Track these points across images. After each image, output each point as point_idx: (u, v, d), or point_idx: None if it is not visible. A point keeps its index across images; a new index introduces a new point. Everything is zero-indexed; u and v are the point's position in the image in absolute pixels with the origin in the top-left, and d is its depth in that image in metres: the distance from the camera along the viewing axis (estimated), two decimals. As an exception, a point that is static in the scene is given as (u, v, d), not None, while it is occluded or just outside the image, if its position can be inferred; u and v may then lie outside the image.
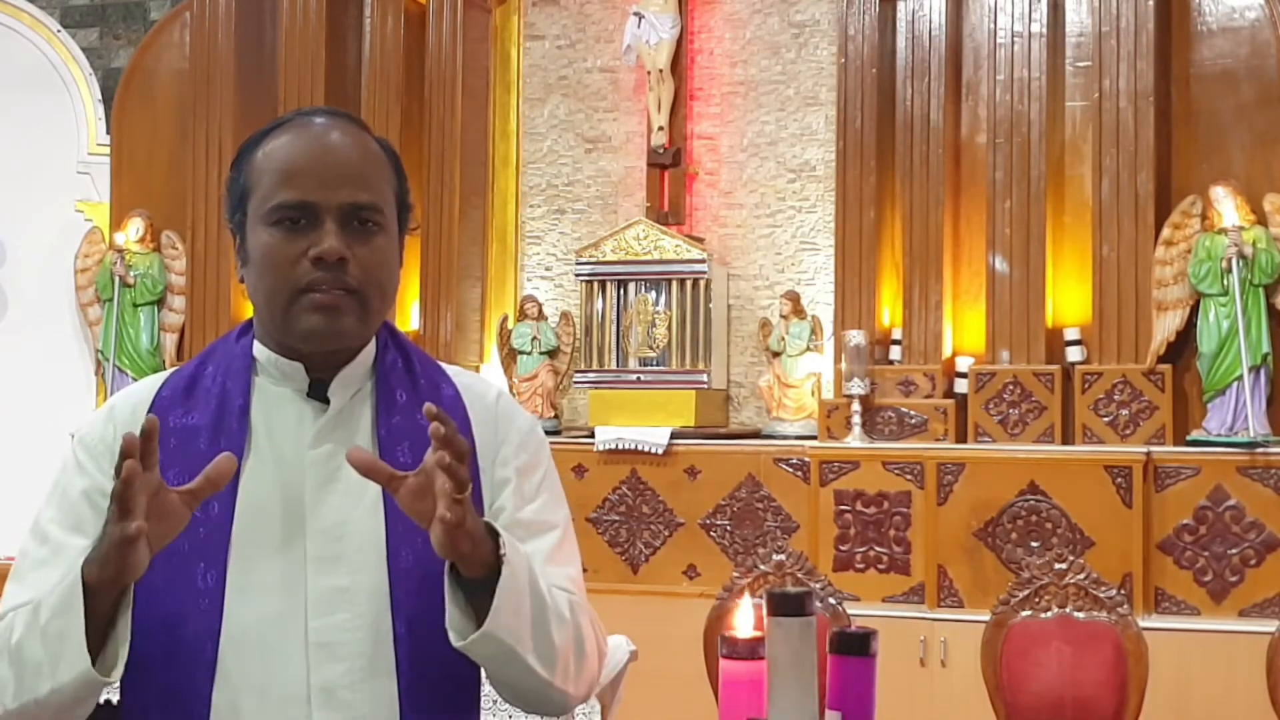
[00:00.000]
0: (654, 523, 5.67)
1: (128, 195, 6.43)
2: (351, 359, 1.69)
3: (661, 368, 5.83)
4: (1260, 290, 5.10)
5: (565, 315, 6.21)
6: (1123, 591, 4.04)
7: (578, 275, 6.00)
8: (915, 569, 5.29)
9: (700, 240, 5.99)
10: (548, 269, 6.40)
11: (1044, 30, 5.43)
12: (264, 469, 1.64)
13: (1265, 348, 5.07)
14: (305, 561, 1.61)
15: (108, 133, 6.59)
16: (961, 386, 5.45)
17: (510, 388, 6.02)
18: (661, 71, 6.03)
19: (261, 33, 6.29)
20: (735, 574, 3.97)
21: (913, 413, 5.45)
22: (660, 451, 5.64)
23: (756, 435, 5.82)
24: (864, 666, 1.51)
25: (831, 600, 3.75)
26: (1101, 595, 3.66)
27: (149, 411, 1.67)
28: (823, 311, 5.84)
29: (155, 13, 6.84)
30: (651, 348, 5.85)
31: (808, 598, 1.51)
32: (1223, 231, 5.11)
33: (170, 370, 1.77)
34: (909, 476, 5.31)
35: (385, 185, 1.69)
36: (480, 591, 1.53)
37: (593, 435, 5.76)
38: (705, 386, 5.80)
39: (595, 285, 5.91)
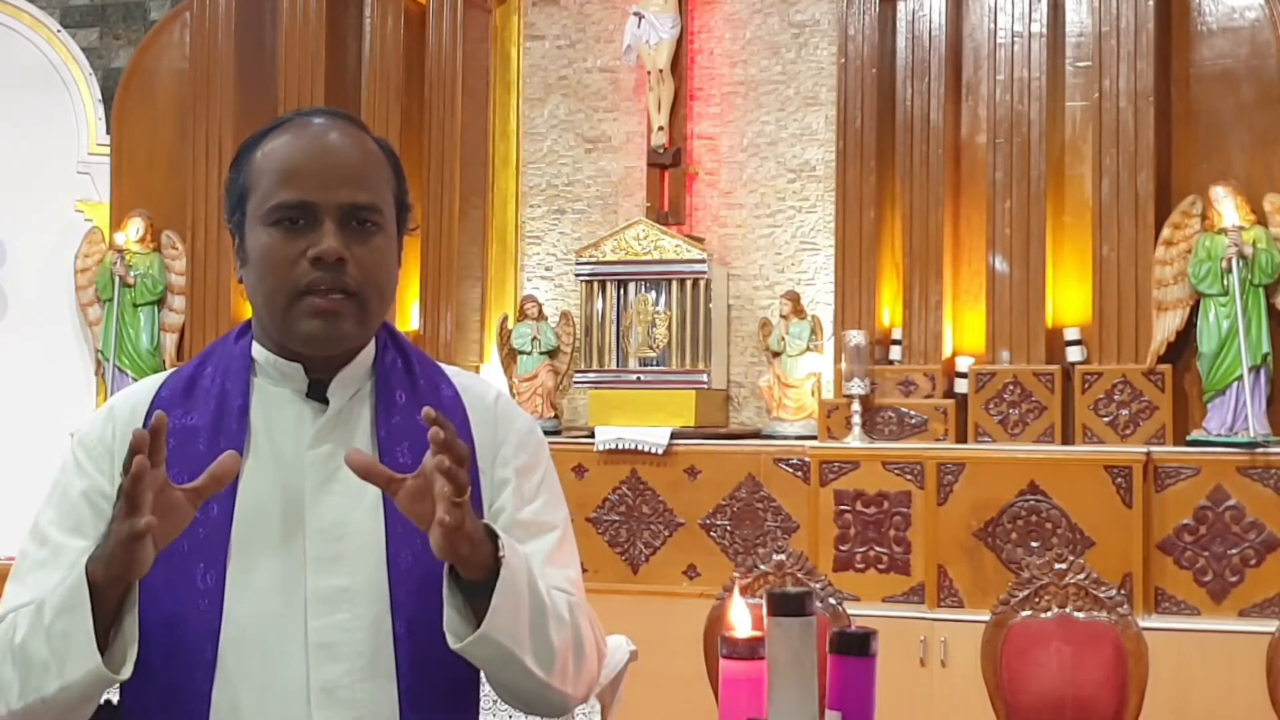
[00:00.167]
0: (654, 523, 5.67)
1: (128, 195, 6.43)
2: (351, 360, 1.69)
3: (661, 368, 5.83)
4: (1260, 290, 5.10)
5: (565, 315, 6.21)
6: (1123, 591, 4.04)
7: (578, 275, 6.00)
8: (915, 569, 5.29)
9: (700, 240, 5.99)
10: (548, 269, 6.40)
11: (1044, 30, 5.43)
12: (263, 469, 1.64)
13: (1265, 348, 5.07)
14: (305, 561, 1.61)
15: (108, 133, 6.59)
16: (961, 386, 5.45)
17: (510, 388, 6.02)
18: (661, 71, 6.03)
19: (261, 33, 6.29)
20: (735, 574, 3.97)
21: (913, 413, 5.45)
22: (660, 451, 5.64)
23: (756, 435, 5.82)
24: (864, 666, 1.51)
25: (831, 600, 3.75)
26: (1101, 595, 3.65)
27: (147, 415, 1.66)
28: (823, 311, 5.84)
29: (155, 13, 6.84)
30: (651, 348, 5.85)
31: (808, 598, 1.51)
32: (1223, 231, 5.11)
33: (169, 371, 1.77)
34: (909, 476, 5.31)
35: (384, 185, 1.68)
36: (479, 593, 1.53)
37: (593, 435, 5.76)
38: (705, 386, 5.80)
39: (595, 285, 5.91)
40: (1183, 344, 5.23)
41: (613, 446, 5.69)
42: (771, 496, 5.55)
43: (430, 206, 6.08)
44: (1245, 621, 4.87)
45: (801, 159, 6.05)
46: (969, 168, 5.59)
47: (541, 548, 1.70)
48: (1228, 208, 5.12)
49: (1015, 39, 5.45)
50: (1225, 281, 5.09)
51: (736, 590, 1.69)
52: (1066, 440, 5.27)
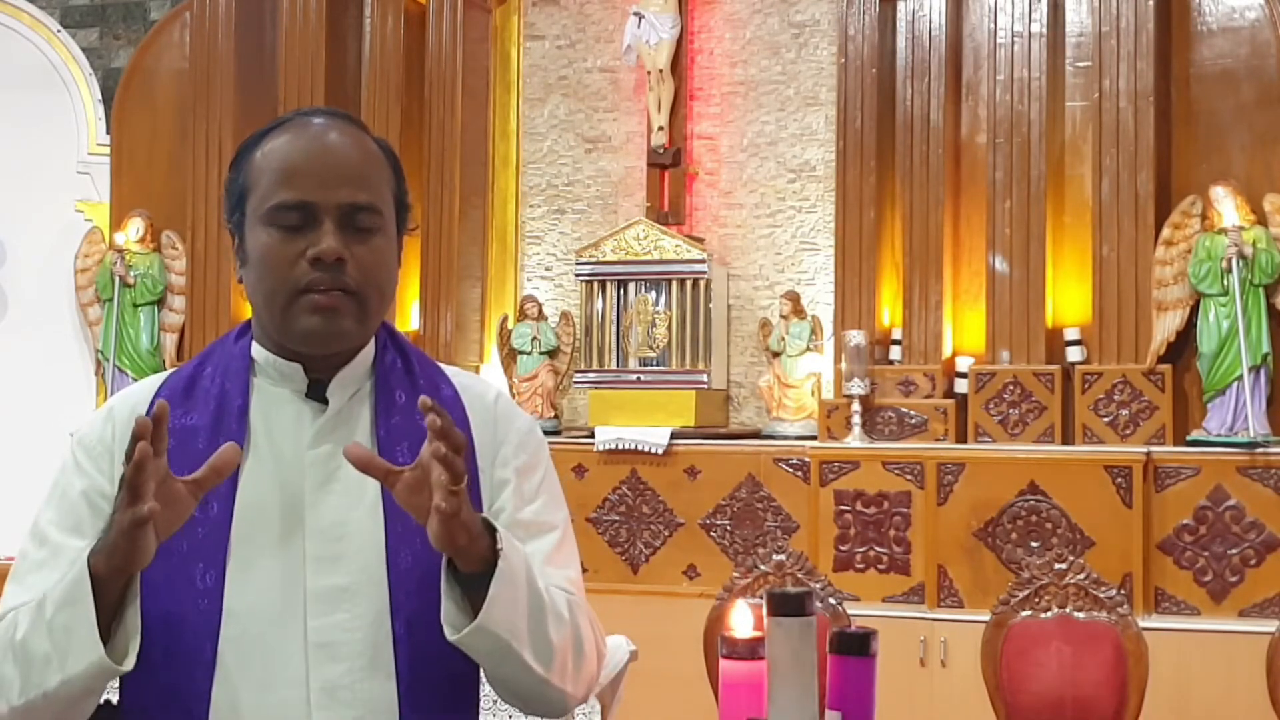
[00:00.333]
0: (654, 523, 5.67)
1: (128, 195, 6.43)
2: (350, 359, 1.69)
3: (661, 368, 5.83)
4: (1260, 290, 5.10)
5: (565, 315, 6.20)
6: (1123, 591, 4.04)
7: (578, 275, 6.00)
8: (915, 569, 5.28)
9: (700, 240, 5.99)
10: (548, 269, 6.40)
11: (1044, 30, 5.43)
12: (263, 469, 1.64)
13: (1265, 348, 5.07)
14: (304, 561, 1.61)
15: (108, 133, 6.59)
16: (961, 386, 5.45)
17: (510, 388, 6.02)
18: (661, 71, 6.03)
19: (261, 33, 6.29)
20: (735, 574, 3.97)
21: (913, 413, 5.45)
22: (660, 451, 5.64)
23: (756, 435, 5.82)
24: (864, 666, 1.51)
25: (831, 600, 3.75)
26: (1101, 595, 3.65)
27: (152, 404, 1.67)
28: (823, 311, 5.84)
29: (155, 13, 6.84)
30: (651, 348, 5.85)
31: (808, 598, 1.51)
32: (1223, 231, 5.11)
33: (169, 371, 1.78)
34: (909, 476, 5.31)
35: (384, 185, 1.68)
36: (477, 586, 1.53)
37: (593, 435, 5.76)
38: (705, 386, 5.80)
39: (595, 285, 5.91)
40: (1183, 344, 5.23)
41: (613, 446, 5.69)
42: (771, 496, 5.55)
43: (430, 206, 6.07)
44: (1245, 621, 4.87)
45: (801, 159, 6.05)
46: (969, 168, 5.59)
47: (541, 548, 1.70)
48: (1228, 208, 5.12)
49: (1015, 39, 5.45)
50: (1225, 281, 5.09)
51: (741, 602, 1.69)
52: (1066, 440, 5.27)
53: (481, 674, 1.64)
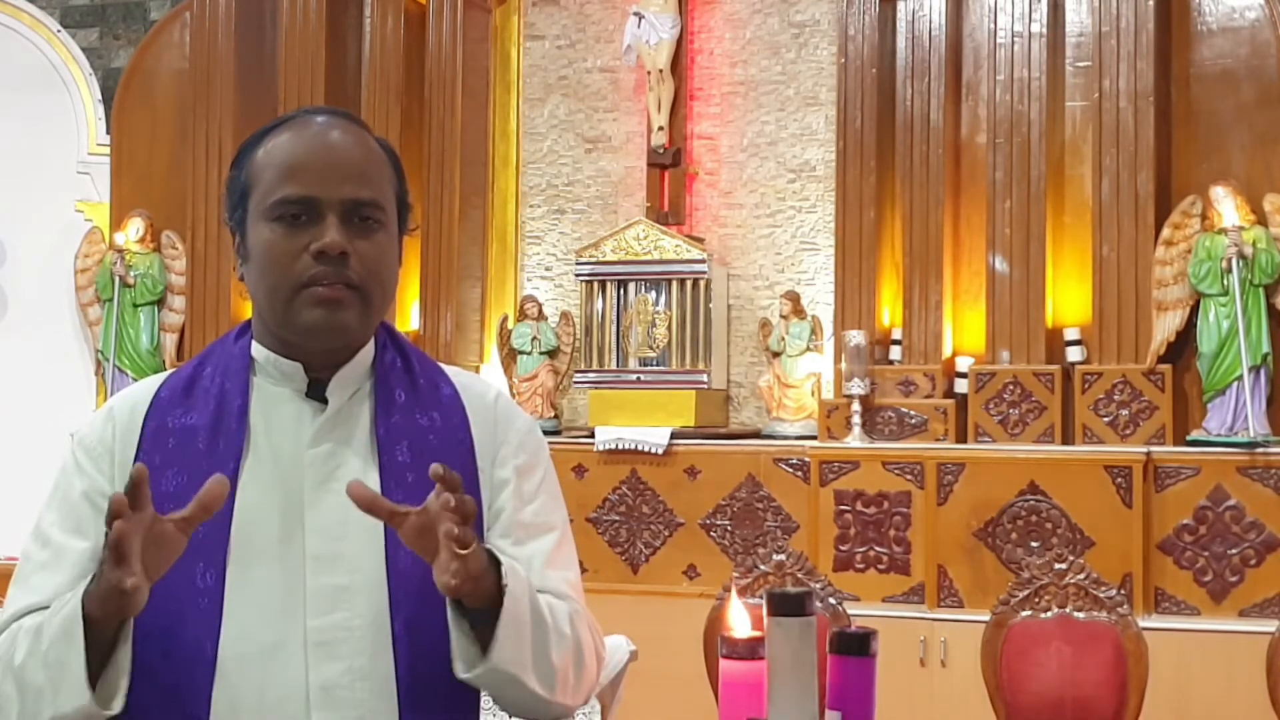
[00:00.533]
0: (654, 523, 5.67)
1: (128, 195, 6.43)
2: (350, 359, 1.69)
3: (661, 368, 5.83)
4: (1260, 290, 5.10)
5: (565, 315, 6.20)
6: (1123, 591, 4.04)
7: (578, 275, 6.00)
8: (915, 569, 5.28)
9: (700, 240, 5.99)
10: (548, 269, 6.40)
11: (1044, 30, 5.43)
12: (262, 469, 1.64)
13: (1265, 348, 5.07)
14: (304, 560, 1.61)
15: (108, 133, 6.59)
16: (961, 386, 5.45)
17: (510, 388, 6.02)
18: (661, 71, 6.03)
19: (261, 33, 6.29)
20: (735, 574, 3.97)
21: (913, 413, 5.45)
22: (660, 451, 5.64)
23: (756, 435, 5.82)
24: (864, 666, 1.51)
25: (831, 600, 3.75)
26: (1101, 595, 3.65)
27: (146, 416, 1.67)
28: (823, 311, 5.84)
29: (155, 13, 6.84)
30: (651, 348, 5.85)
31: (808, 598, 1.51)
32: (1223, 231, 5.11)
33: (169, 371, 1.77)
34: (909, 476, 5.31)
35: (386, 183, 1.69)
36: (482, 618, 1.54)
37: (593, 435, 5.76)
38: (705, 386, 5.80)
39: (595, 285, 5.91)
40: (1183, 344, 5.23)
41: (613, 446, 5.69)
42: (771, 496, 5.55)
43: (430, 206, 6.07)
44: (1245, 621, 4.87)
45: (801, 159, 6.05)
46: (969, 168, 5.59)
47: (541, 549, 1.70)
48: (1228, 208, 5.12)
49: (1015, 39, 5.45)
50: (1225, 281, 5.09)
51: (734, 594, 1.69)
52: (1066, 440, 5.27)
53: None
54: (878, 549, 5.33)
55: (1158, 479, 5.06)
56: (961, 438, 5.39)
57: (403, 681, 1.59)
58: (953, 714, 4.95)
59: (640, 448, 5.65)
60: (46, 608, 1.56)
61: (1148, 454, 5.06)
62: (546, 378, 6.09)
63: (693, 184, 6.16)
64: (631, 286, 5.89)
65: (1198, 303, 5.17)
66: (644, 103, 6.14)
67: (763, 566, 3.86)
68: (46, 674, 1.50)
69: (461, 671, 1.55)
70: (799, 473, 5.51)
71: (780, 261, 6.06)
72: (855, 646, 1.51)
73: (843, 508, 5.38)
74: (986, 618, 3.79)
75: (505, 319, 6.27)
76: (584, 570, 1.80)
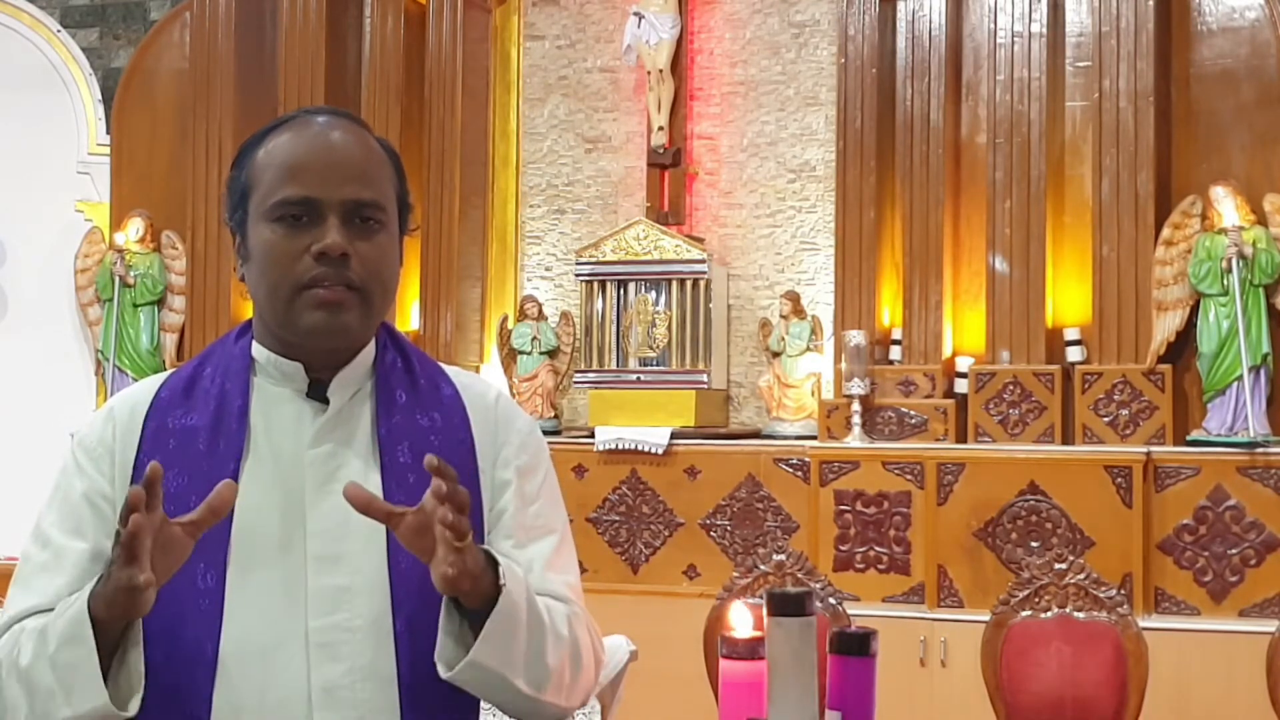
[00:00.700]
0: (654, 523, 5.67)
1: (128, 195, 6.43)
2: (351, 359, 1.69)
3: (661, 368, 5.83)
4: (1260, 290, 5.10)
5: (565, 315, 6.20)
6: (1123, 591, 4.04)
7: (578, 275, 6.00)
8: (915, 569, 5.28)
9: (700, 240, 5.99)
10: (548, 269, 6.40)
11: (1044, 30, 5.43)
12: (263, 469, 1.64)
13: (1265, 348, 5.07)
14: (305, 561, 1.61)
15: (108, 133, 6.59)
16: (961, 386, 5.45)
17: (510, 388, 6.02)
18: (661, 71, 6.03)
19: (261, 33, 6.29)
20: (735, 574, 3.97)
21: (913, 413, 5.45)
22: (660, 451, 5.64)
23: (756, 435, 5.82)
24: (864, 666, 1.51)
25: (831, 600, 3.75)
26: (1101, 595, 3.65)
27: (146, 416, 1.67)
28: (823, 311, 5.84)
29: (155, 13, 6.84)
30: (651, 348, 5.85)
31: (808, 598, 1.51)
32: (1223, 231, 5.11)
33: (169, 371, 1.77)
34: (909, 476, 5.31)
35: (387, 184, 1.69)
36: (478, 618, 1.54)
37: (593, 435, 5.76)
38: (705, 386, 5.80)
39: (595, 285, 5.91)
40: (1183, 344, 5.23)
41: (613, 446, 5.69)
42: (771, 496, 5.55)
43: (430, 206, 6.07)
44: (1245, 621, 4.87)
45: (801, 159, 6.05)
46: (969, 168, 5.59)
47: (541, 551, 1.70)
48: (1228, 208, 5.12)
49: (1015, 39, 5.45)
50: (1225, 281, 5.09)
51: (739, 604, 1.69)
52: (1066, 440, 5.27)
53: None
54: (878, 549, 5.33)
55: (1158, 479, 5.06)
56: (961, 438, 5.39)
57: (404, 682, 1.59)
58: (953, 714, 4.95)
59: (640, 448, 5.65)
60: (47, 610, 1.56)
61: (1148, 454, 5.06)
62: (546, 378, 6.09)
63: (693, 184, 6.15)
64: (631, 286, 5.88)
65: (1198, 303, 5.17)
66: (644, 103, 6.14)
67: (763, 566, 3.86)
68: (56, 676, 1.49)
69: (443, 672, 1.54)
70: (799, 473, 5.51)
71: (780, 261, 6.06)
72: (855, 646, 1.51)
73: (843, 508, 5.38)
74: (986, 618, 3.79)
75: (505, 319, 6.27)
76: (584, 570, 1.80)
